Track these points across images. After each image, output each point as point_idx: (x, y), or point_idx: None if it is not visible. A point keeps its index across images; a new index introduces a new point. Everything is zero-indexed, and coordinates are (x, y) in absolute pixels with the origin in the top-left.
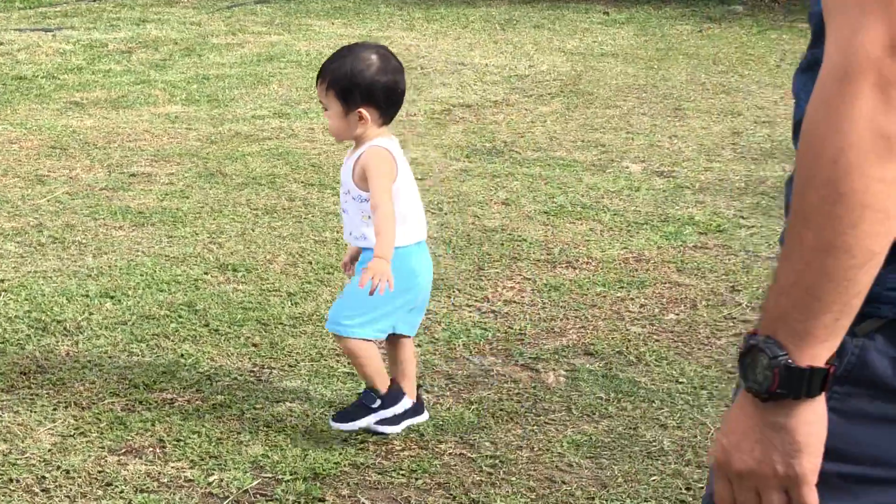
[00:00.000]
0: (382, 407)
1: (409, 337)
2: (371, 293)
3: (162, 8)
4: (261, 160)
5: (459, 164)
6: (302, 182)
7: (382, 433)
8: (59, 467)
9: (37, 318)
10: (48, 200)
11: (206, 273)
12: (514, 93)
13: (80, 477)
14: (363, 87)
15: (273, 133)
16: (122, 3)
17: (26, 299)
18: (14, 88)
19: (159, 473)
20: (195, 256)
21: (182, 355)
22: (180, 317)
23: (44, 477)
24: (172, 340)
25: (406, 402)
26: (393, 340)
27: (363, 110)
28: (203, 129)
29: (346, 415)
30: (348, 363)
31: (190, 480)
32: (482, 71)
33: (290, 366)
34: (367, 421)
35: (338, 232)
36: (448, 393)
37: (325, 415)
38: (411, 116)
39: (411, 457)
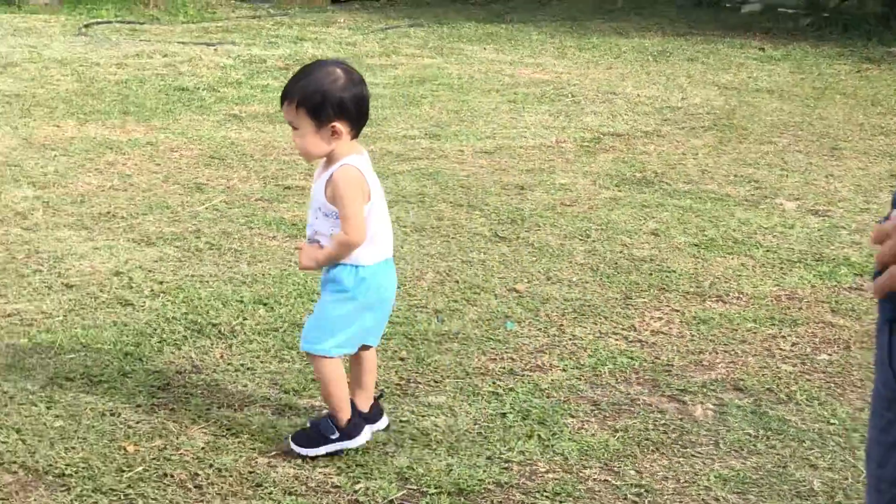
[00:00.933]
0: (340, 440)
1: (372, 347)
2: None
3: (319, 28)
4: (411, 179)
5: (609, 193)
6: (451, 202)
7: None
8: (211, 465)
9: (193, 320)
10: (206, 208)
11: None
12: (665, 124)
13: (231, 476)
14: (334, 101)
15: (423, 153)
16: (280, 22)
17: (183, 301)
18: (176, 99)
19: (307, 478)
20: None
21: None
22: None
23: (197, 474)
24: None
25: (363, 438)
26: (359, 354)
27: (337, 124)
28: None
29: (304, 438)
30: (493, 382)
31: (336, 486)
32: (633, 101)
33: (435, 381)
34: (326, 449)
35: (485, 253)
36: (593, 419)
37: (471, 432)
38: (560, 143)
39: (556, 479)
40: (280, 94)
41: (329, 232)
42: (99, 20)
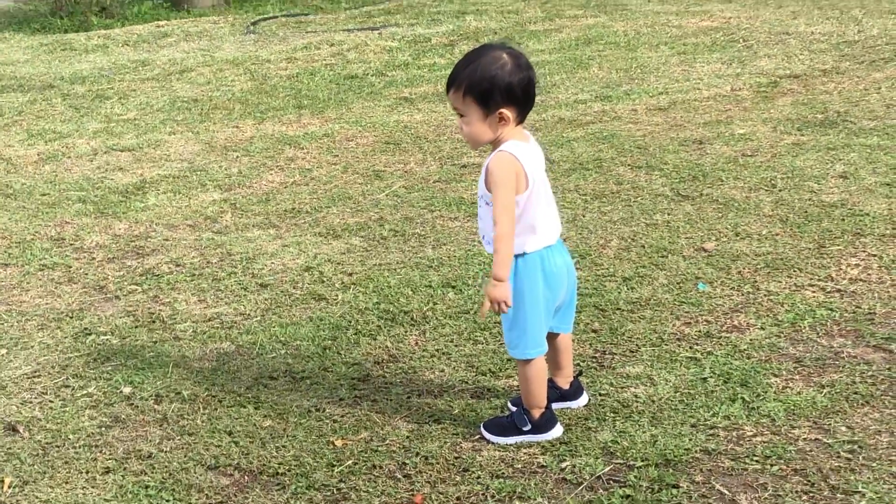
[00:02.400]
0: (531, 433)
1: (562, 334)
2: (497, 314)
3: None
4: (586, 145)
5: (791, 138)
6: (629, 165)
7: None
8: (417, 454)
9: (385, 309)
10: (386, 195)
11: None
12: (843, 60)
13: (437, 463)
14: (502, 87)
15: (596, 117)
16: None
17: (374, 291)
18: (347, 87)
19: (513, 459)
20: None
21: None
22: None
23: (404, 463)
24: None
25: (556, 432)
26: (549, 338)
27: (504, 110)
28: (528, 116)
29: (496, 426)
30: (690, 347)
31: (543, 466)
32: (808, 39)
33: (631, 351)
34: (516, 440)
35: (669, 214)
36: (797, 376)
37: (672, 400)
38: (735, 91)
39: (764, 442)
40: (447, 78)
41: (491, 220)
42: (265, 16)
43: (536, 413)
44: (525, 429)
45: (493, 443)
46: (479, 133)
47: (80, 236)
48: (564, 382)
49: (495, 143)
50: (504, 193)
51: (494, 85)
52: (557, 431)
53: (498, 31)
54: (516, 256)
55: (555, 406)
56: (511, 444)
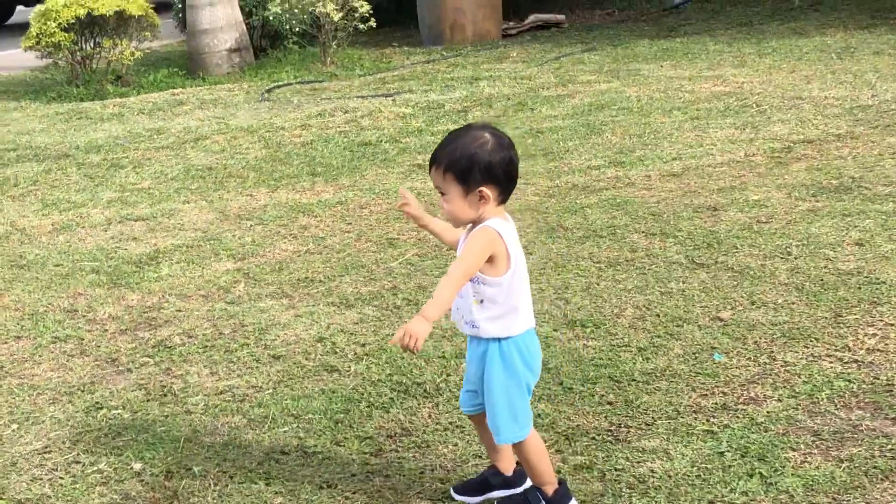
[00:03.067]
0: None
1: None
2: (400, 346)
3: (492, 64)
4: (599, 211)
5: (806, 205)
6: (643, 232)
7: None
8: None
9: (398, 380)
10: (400, 263)
11: (555, 330)
12: (858, 125)
13: None
14: (482, 165)
15: (609, 183)
16: (454, 63)
17: (387, 362)
18: (361, 154)
19: None
20: (544, 313)
21: (539, 415)
22: None
23: None
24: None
25: None
26: (481, 421)
27: (484, 189)
28: (540, 182)
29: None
30: (706, 420)
31: None
32: (822, 104)
33: (646, 424)
34: None
35: (684, 282)
36: (816, 450)
37: (689, 475)
38: (749, 157)
39: None
40: (434, 155)
41: (472, 297)
42: (280, 83)
43: (549, 489)
44: None
45: None
46: (460, 211)
47: (92, 307)
48: (507, 467)
49: (476, 222)
50: (472, 257)
51: (474, 163)
52: None
53: (511, 97)
54: (500, 340)
55: (497, 494)
56: None
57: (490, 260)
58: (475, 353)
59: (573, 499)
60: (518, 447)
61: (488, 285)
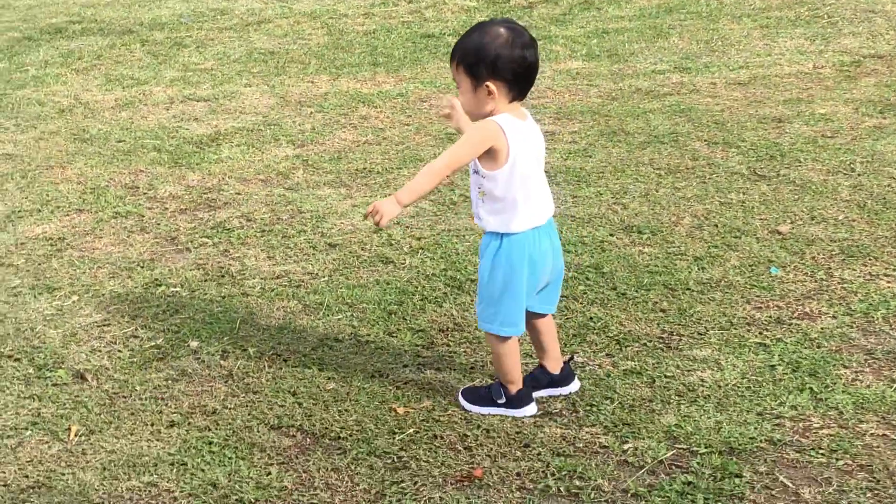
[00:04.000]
0: (505, 406)
1: (545, 315)
2: (372, 222)
3: None
4: (662, 117)
5: (873, 121)
6: (705, 140)
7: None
8: (479, 426)
9: (452, 276)
10: None
11: (611, 234)
12: None
13: (499, 437)
14: (488, 60)
15: (674, 88)
16: None
17: (441, 257)
18: (423, 46)
19: (574, 438)
20: (600, 217)
21: (591, 318)
22: (587, 279)
23: (466, 435)
24: (581, 303)
25: (530, 410)
26: (530, 319)
27: (490, 84)
28: (604, 85)
29: (473, 395)
30: (759, 333)
31: (604, 447)
32: (894, 18)
33: (699, 333)
34: (489, 411)
35: (744, 194)
36: (868, 369)
37: (739, 386)
38: (818, 69)
39: (830, 435)
40: (453, 50)
41: (477, 190)
42: None
43: (512, 389)
44: (500, 402)
45: (465, 409)
46: (471, 104)
47: (153, 185)
48: (554, 366)
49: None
50: (462, 148)
51: (480, 58)
52: (531, 410)
53: None
54: (501, 235)
55: (545, 393)
56: (484, 414)
57: (490, 153)
58: (481, 246)
59: (534, 402)
60: (491, 339)
61: (486, 178)
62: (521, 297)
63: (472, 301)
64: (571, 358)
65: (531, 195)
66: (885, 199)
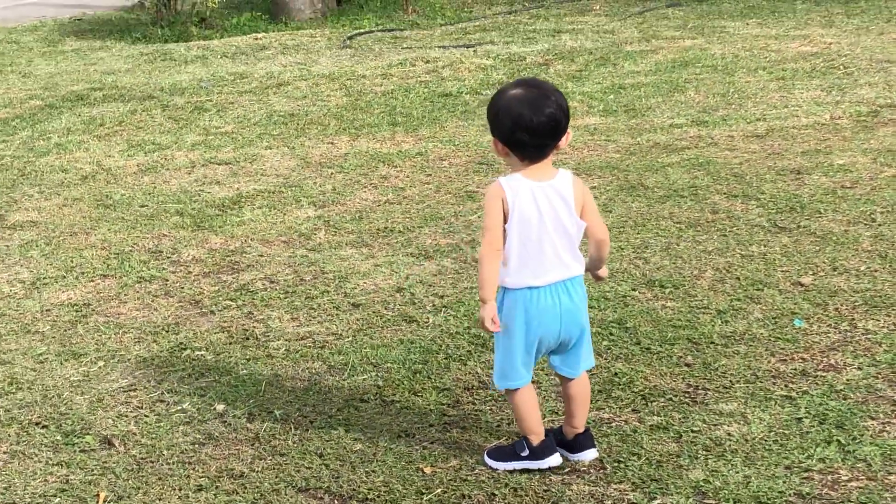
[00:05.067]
0: (528, 458)
1: (572, 379)
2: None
3: (575, 17)
4: (681, 171)
5: (892, 171)
6: (724, 193)
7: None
8: (507, 485)
9: (476, 334)
10: (478, 216)
11: (633, 289)
12: None
13: (527, 495)
14: (490, 116)
15: (692, 142)
16: (536, 15)
17: (465, 315)
18: (441, 105)
19: (602, 495)
20: (622, 272)
21: (616, 374)
22: (611, 334)
23: (493, 494)
24: (605, 358)
25: (552, 461)
26: (562, 382)
27: (500, 143)
28: (622, 140)
29: (498, 452)
30: (785, 385)
31: (633, 503)
32: None
33: (724, 387)
34: (511, 466)
35: (765, 246)
36: (895, 420)
37: (766, 440)
38: (835, 120)
39: (860, 488)
40: None
41: None
42: (361, 31)
43: (534, 440)
44: (523, 454)
45: (491, 468)
46: (503, 158)
47: (177, 249)
48: (569, 432)
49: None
50: (485, 217)
51: (488, 114)
52: (555, 461)
53: (593, 51)
54: (503, 288)
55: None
56: (510, 470)
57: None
58: None
59: (557, 453)
60: (506, 392)
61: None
62: (515, 351)
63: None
64: (587, 430)
65: (531, 255)
66: None
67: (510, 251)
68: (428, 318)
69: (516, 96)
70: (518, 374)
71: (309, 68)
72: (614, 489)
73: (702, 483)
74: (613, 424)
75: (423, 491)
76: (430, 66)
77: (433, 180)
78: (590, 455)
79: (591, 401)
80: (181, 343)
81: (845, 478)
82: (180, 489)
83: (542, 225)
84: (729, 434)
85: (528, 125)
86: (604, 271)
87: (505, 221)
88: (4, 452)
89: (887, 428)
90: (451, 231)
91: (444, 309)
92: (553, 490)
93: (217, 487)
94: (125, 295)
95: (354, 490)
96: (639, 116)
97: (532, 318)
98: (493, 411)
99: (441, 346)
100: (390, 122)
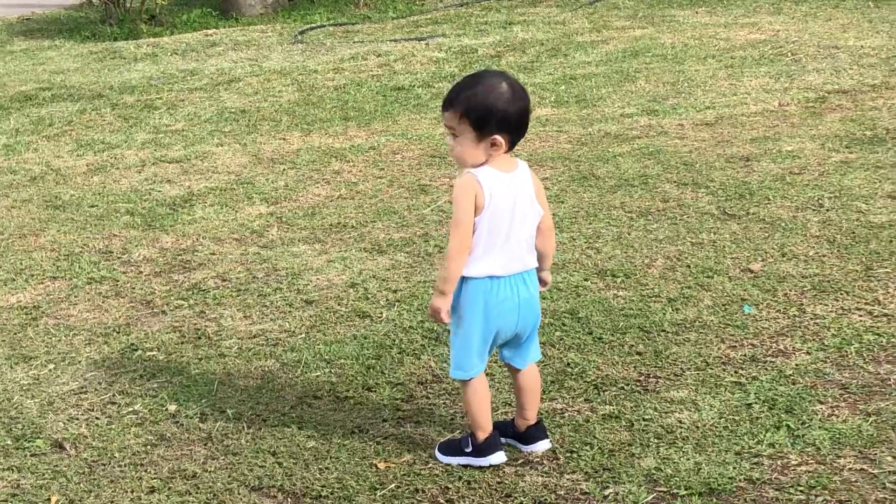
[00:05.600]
0: (471, 455)
1: (520, 370)
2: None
3: (527, 9)
4: (632, 160)
5: (839, 156)
6: (675, 182)
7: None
8: (460, 478)
9: (429, 328)
10: (432, 210)
11: (585, 279)
12: (894, 75)
13: (480, 488)
14: (499, 115)
15: (642, 131)
16: (488, 7)
17: (419, 309)
18: (393, 99)
19: (555, 485)
20: (574, 262)
21: (568, 364)
22: (564, 324)
23: (447, 488)
24: (558, 349)
25: (494, 459)
26: (512, 373)
27: (498, 136)
28: (573, 130)
29: (446, 446)
30: (735, 371)
31: (586, 493)
32: (857, 54)
33: (675, 375)
34: (456, 461)
35: (715, 233)
36: (843, 404)
37: (717, 426)
38: (783, 106)
39: (809, 472)
40: (448, 97)
41: None
42: (312, 25)
43: (480, 436)
44: (467, 450)
45: (441, 462)
46: (469, 155)
47: (127, 249)
48: (520, 424)
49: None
50: (458, 211)
51: (492, 113)
52: (498, 458)
53: (544, 42)
54: (463, 278)
55: (510, 442)
56: (454, 465)
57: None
58: None
59: (501, 451)
60: (460, 384)
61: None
62: (472, 341)
63: (449, 353)
64: (539, 422)
65: (498, 246)
66: (854, 233)
67: (477, 241)
68: (381, 312)
69: (514, 92)
70: (472, 364)
71: (260, 64)
72: (567, 479)
73: (653, 471)
74: (566, 415)
75: (377, 486)
76: (382, 59)
77: (386, 174)
78: (542, 446)
79: (544, 391)
80: (132, 344)
81: (795, 462)
82: (132, 491)
83: (513, 216)
84: (680, 421)
85: (528, 116)
86: (547, 276)
87: (476, 214)
88: None
89: (836, 412)
90: (405, 225)
91: (397, 303)
92: (507, 482)
93: (170, 488)
94: (75, 296)
95: (308, 487)
96: (590, 107)
97: (491, 308)
98: (446, 405)
99: (395, 341)
100: (342, 117)
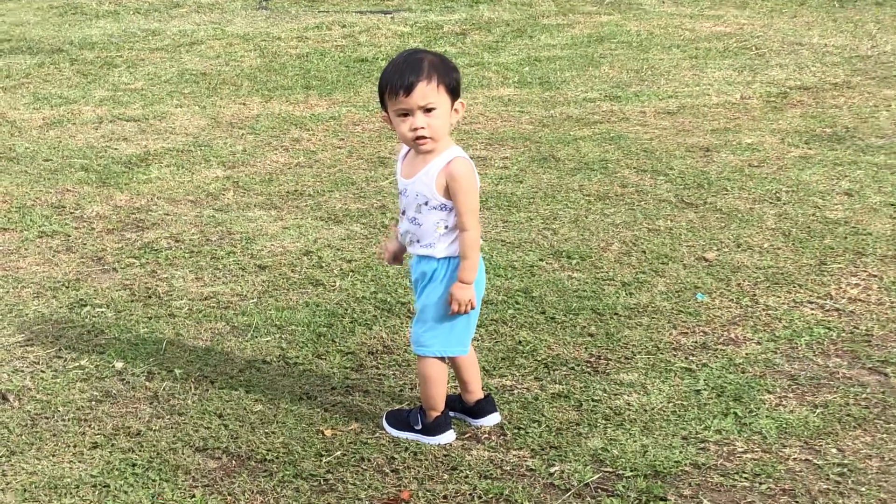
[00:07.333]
0: (420, 433)
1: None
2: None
3: None
4: (592, 144)
5: (798, 151)
6: (634, 168)
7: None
8: (406, 448)
9: (382, 299)
10: (390, 182)
11: (540, 259)
12: (855, 74)
13: (426, 459)
14: (459, 80)
15: (604, 116)
16: None
17: (372, 280)
18: (356, 70)
19: (502, 461)
20: (530, 242)
21: (520, 342)
22: (517, 303)
23: (393, 458)
24: (510, 327)
25: (444, 438)
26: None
27: (462, 101)
28: (535, 112)
29: (395, 418)
30: (685, 357)
31: (531, 470)
32: (821, 51)
33: (626, 358)
34: (405, 436)
35: (672, 221)
36: (791, 394)
37: (665, 410)
38: (745, 99)
39: (754, 460)
40: (397, 79)
41: (436, 224)
42: None
43: (431, 415)
44: (416, 428)
45: (385, 431)
46: (444, 126)
47: (80, 205)
48: (469, 399)
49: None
50: (473, 199)
51: (458, 79)
52: (447, 438)
53: (510, 23)
54: (448, 258)
55: (458, 416)
56: (401, 438)
57: None
58: (423, 272)
59: (451, 431)
60: (424, 364)
61: (453, 211)
62: (476, 315)
63: (402, 324)
64: (489, 395)
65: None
66: (809, 227)
67: None
68: (335, 281)
69: (446, 56)
70: (465, 341)
71: (223, 28)
72: (514, 455)
73: (600, 451)
74: (515, 392)
75: (323, 453)
76: (347, 30)
77: (346, 145)
78: (493, 420)
79: (494, 368)
80: (81, 299)
81: (741, 449)
82: (75, 446)
83: None
84: (628, 404)
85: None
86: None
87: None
88: None
89: (783, 402)
90: (362, 196)
91: (351, 273)
92: (453, 455)
93: (113, 445)
94: (25, 249)
95: (253, 451)
96: (553, 89)
97: (480, 281)
98: (396, 376)
99: (347, 310)
100: (304, 86)
